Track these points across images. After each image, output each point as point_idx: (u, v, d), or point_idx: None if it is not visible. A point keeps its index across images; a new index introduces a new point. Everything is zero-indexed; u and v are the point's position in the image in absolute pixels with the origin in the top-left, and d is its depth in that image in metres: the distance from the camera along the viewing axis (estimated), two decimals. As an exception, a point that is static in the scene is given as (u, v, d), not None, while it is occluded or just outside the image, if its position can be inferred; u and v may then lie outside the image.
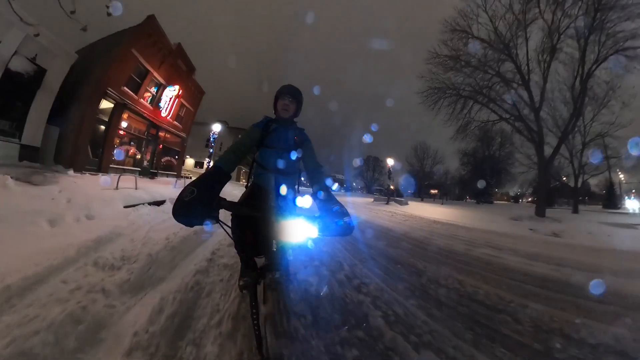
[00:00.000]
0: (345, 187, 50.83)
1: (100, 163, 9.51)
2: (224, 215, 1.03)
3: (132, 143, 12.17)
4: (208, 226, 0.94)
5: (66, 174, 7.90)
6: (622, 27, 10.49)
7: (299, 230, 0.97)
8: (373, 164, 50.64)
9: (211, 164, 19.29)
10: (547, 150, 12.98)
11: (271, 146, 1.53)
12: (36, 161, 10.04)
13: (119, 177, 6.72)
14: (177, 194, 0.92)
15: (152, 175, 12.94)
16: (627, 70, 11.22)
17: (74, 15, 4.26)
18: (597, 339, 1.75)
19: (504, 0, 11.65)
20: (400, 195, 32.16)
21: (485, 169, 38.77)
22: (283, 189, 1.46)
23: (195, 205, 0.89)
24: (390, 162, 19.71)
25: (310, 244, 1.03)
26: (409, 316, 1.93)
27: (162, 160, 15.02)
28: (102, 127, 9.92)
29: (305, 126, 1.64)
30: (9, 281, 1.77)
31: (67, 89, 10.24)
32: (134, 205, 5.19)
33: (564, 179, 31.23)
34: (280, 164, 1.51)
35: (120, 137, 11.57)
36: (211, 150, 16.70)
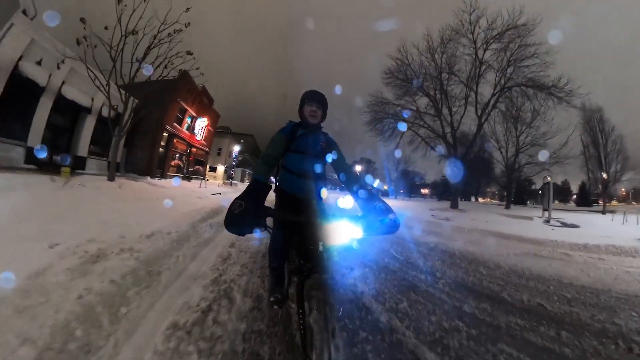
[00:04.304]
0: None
1: (162, 172, 14.30)
2: (270, 222, 1.02)
3: (177, 157, 17.25)
4: (257, 233, 0.96)
5: (146, 179, 12.46)
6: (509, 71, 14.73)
7: (343, 232, 0.95)
8: (367, 166, 54.87)
9: (231, 172, 25.54)
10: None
11: (300, 151, 1.51)
12: (117, 171, 14.75)
13: (200, 182, 11.78)
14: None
15: (189, 179, 17.88)
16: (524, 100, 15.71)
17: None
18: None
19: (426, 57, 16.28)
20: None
21: (467, 170, 41.99)
22: (324, 193, 1.50)
23: (244, 216, 0.93)
24: (358, 168, 24.59)
25: (355, 244, 1.00)
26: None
27: (194, 168, 20.22)
28: (162, 150, 14.74)
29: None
30: (210, 208, 6.18)
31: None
32: (214, 194, 10.11)
33: (548, 178, 33.31)
34: (315, 168, 1.51)
35: (172, 154, 16.70)
36: (233, 163, 22.93)
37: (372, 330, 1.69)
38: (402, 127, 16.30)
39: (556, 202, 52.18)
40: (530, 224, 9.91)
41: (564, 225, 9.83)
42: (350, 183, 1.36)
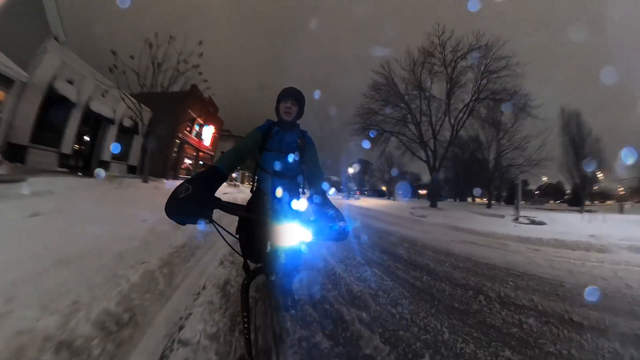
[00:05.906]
0: (342, 189, 48.48)
1: (175, 174, 16.42)
2: (218, 216, 0.92)
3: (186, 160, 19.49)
4: (201, 225, 0.86)
5: (162, 180, 14.41)
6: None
7: (293, 233, 0.93)
8: (364, 167, 56.93)
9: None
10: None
11: (272, 149, 1.49)
12: (134, 173, 16.74)
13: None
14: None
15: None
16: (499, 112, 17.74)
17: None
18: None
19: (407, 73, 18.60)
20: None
21: (460, 172, 43.89)
22: (279, 192, 1.43)
23: (189, 203, 0.83)
24: (350, 170, 26.68)
25: (304, 248, 1.02)
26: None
27: (200, 170, 22.47)
28: (175, 155, 16.87)
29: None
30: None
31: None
32: (224, 193, 11.92)
33: (544, 179, 34.29)
34: (278, 166, 1.47)
35: (182, 158, 18.95)
36: (238, 167, 25.53)
37: (322, 330, 1.73)
38: (366, 144, 18.81)
39: (551, 201, 53.92)
40: (497, 221, 10.70)
41: (532, 222, 10.25)
42: (310, 185, 1.37)
